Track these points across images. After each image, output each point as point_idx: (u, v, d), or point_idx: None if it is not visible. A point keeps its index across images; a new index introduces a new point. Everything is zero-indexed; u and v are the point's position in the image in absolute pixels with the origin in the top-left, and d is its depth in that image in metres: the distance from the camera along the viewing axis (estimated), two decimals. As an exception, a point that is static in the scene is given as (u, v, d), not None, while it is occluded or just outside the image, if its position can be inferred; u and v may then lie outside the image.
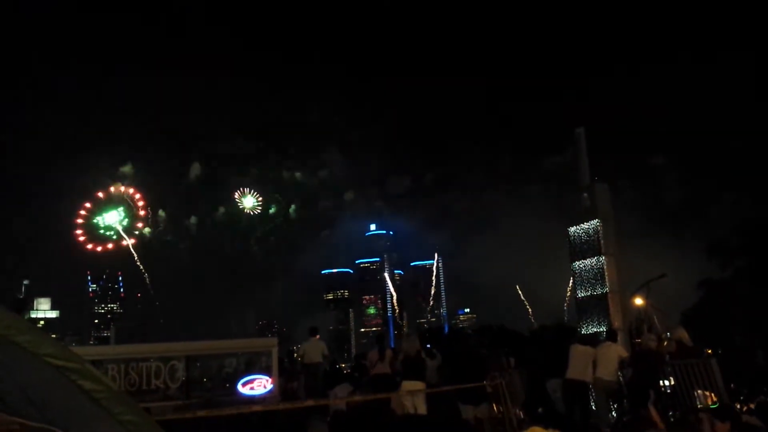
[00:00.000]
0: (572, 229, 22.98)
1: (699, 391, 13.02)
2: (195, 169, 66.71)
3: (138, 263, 68.06)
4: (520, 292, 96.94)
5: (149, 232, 66.21)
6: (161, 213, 65.70)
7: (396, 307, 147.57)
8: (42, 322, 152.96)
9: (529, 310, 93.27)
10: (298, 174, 66.52)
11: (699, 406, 12.42)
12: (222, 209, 65.36)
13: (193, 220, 65.45)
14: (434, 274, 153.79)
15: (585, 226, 22.53)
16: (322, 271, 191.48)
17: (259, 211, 62.96)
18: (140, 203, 65.79)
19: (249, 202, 61.82)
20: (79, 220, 59.24)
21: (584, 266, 22.30)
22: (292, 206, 65.79)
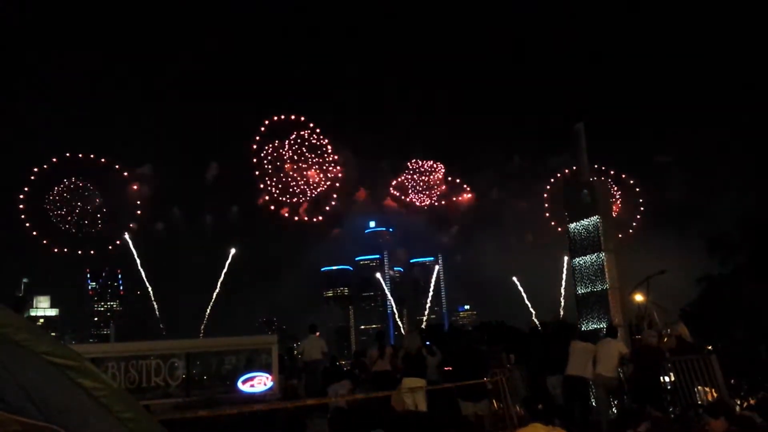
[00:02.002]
0: (572, 225, 23.04)
1: (699, 387, 13.03)
2: (213, 169, 66.58)
3: (137, 258, 67.64)
4: (521, 289, 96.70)
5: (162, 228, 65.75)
6: (175, 210, 65.42)
7: (396, 305, 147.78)
8: (42, 321, 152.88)
9: (530, 306, 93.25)
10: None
11: (699, 403, 12.43)
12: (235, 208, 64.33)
13: (207, 219, 65.29)
14: (435, 271, 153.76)
15: (585, 222, 22.56)
16: (322, 269, 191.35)
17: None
18: None
19: None
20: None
21: (584, 263, 22.32)
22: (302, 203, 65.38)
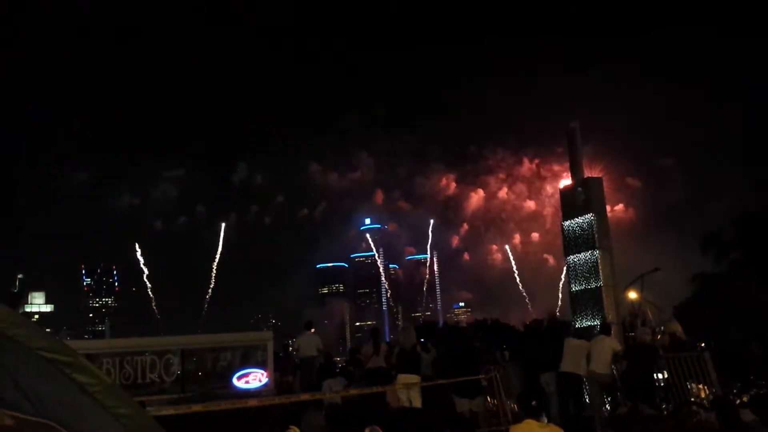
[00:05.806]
0: (566, 223, 23.10)
1: (692, 384, 13.10)
2: (242, 170, 67.07)
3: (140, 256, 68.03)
4: (521, 287, 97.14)
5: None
6: (200, 208, 65.86)
7: (390, 302, 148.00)
8: (36, 317, 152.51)
9: (528, 303, 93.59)
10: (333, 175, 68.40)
11: (692, 399, 12.50)
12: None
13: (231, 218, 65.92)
14: (430, 268, 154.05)
15: (579, 220, 22.64)
16: (317, 266, 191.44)
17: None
18: None
19: None
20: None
21: (578, 260, 22.38)
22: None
